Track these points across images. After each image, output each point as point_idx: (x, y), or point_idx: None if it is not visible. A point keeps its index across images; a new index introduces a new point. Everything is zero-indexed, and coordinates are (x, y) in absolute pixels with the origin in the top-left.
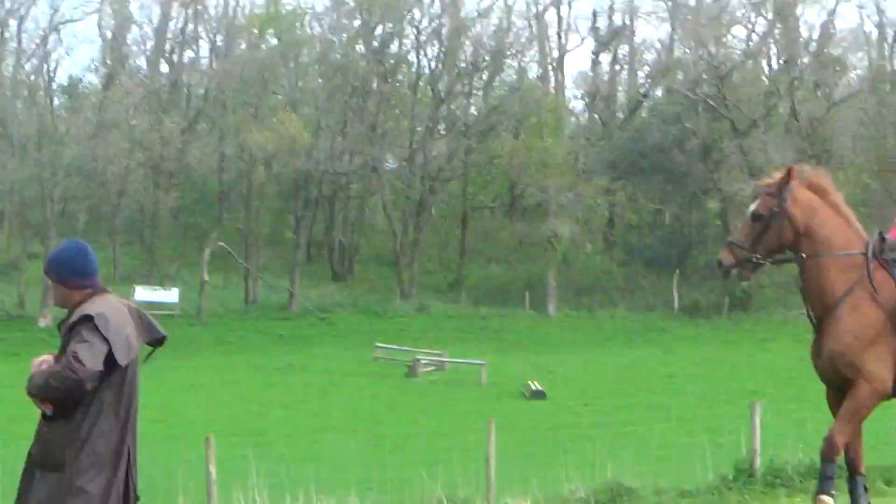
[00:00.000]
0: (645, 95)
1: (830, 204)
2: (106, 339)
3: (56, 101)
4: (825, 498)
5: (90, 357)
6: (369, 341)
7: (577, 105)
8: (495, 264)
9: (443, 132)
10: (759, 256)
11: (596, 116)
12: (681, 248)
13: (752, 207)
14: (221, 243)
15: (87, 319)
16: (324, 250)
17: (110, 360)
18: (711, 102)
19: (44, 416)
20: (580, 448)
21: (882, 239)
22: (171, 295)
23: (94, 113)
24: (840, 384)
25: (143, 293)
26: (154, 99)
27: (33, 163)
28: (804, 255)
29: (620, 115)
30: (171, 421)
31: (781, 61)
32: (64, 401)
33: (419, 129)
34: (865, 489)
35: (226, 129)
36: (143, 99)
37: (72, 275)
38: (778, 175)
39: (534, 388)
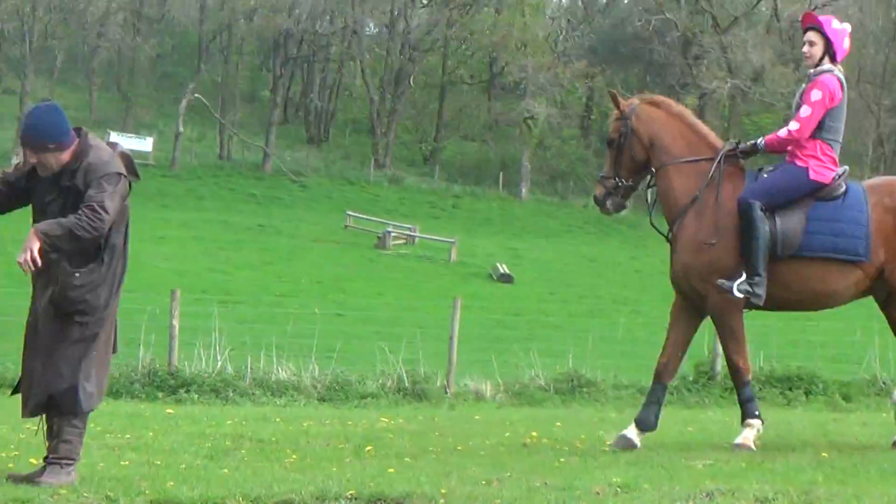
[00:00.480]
0: None
1: (674, 114)
2: (119, 184)
3: None
4: (752, 421)
5: (113, 206)
6: (340, 208)
7: None
8: (471, 142)
9: (425, 2)
10: (623, 180)
11: None
12: None
13: (609, 137)
14: (198, 95)
15: (109, 172)
16: (300, 112)
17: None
18: None
19: (67, 265)
20: (544, 335)
21: (736, 146)
22: (145, 144)
23: None
24: (694, 296)
25: (116, 140)
26: None
27: None
28: (653, 168)
29: (602, 0)
30: (137, 272)
31: None
32: (84, 248)
33: None
34: (660, 401)
35: None
36: None
37: (64, 135)
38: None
39: (502, 270)
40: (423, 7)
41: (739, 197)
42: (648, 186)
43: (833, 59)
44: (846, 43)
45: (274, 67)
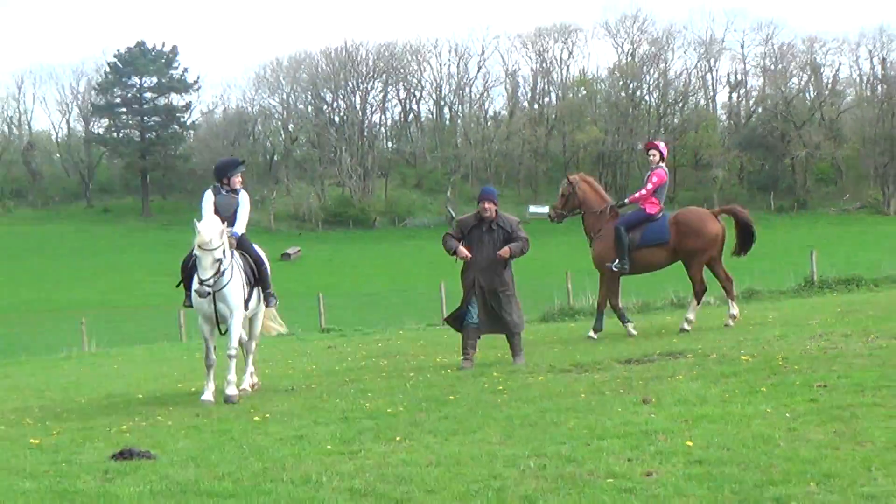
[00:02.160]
0: None
1: (594, 188)
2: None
3: None
4: (628, 327)
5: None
6: None
7: None
8: None
9: None
10: (566, 213)
11: None
12: None
13: (560, 191)
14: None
15: (518, 222)
16: None
17: None
18: None
19: (497, 262)
20: None
21: (616, 203)
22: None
23: None
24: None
25: (536, 208)
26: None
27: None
28: (582, 212)
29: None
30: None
31: None
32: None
33: None
34: (625, 318)
35: None
36: None
37: (498, 199)
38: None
39: None
40: None
41: (615, 224)
42: (575, 215)
43: (663, 159)
44: (666, 151)
45: None
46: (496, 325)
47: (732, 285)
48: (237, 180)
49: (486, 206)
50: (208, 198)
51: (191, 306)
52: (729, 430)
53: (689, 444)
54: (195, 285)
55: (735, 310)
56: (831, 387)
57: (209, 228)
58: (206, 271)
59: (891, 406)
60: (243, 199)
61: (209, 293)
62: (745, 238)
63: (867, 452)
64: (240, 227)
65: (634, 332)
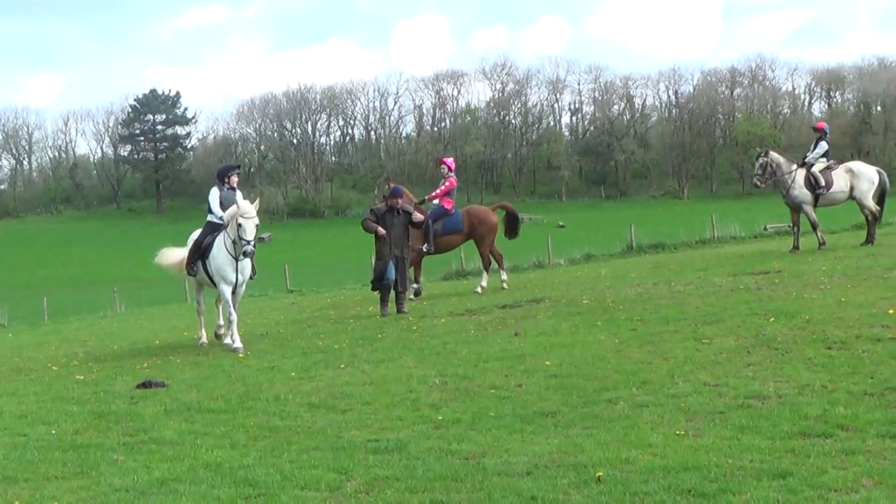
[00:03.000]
0: None
1: (408, 194)
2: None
3: None
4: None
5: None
6: None
7: None
8: None
9: None
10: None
11: None
12: None
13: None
14: None
15: (412, 207)
16: None
17: None
18: None
19: (404, 238)
20: None
21: (416, 203)
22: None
23: None
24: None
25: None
26: None
27: None
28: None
29: None
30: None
31: None
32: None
33: None
34: (417, 286)
35: None
36: None
37: (401, 195)
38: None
39: None
40: None
41: (426, 216)
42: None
43: (451, 171)
44: (453, 165)
45: None
46: (396, 283)
47: (502, 261)
48: (234, 180)
49: (397, 201)
50: (214, 192)
51: (194, 275)
52: (575, 352)
53: (548, 363)
54: (244, 247)
55: (503, 276)
56: (645, 320)
57: (248, 204)
58: (249, 234)
59: (686, 333)
60: (239, 194)
61: (253, 252)
62: (512, 223)
63: (671, 365)
64: None
65: (418, 287)
